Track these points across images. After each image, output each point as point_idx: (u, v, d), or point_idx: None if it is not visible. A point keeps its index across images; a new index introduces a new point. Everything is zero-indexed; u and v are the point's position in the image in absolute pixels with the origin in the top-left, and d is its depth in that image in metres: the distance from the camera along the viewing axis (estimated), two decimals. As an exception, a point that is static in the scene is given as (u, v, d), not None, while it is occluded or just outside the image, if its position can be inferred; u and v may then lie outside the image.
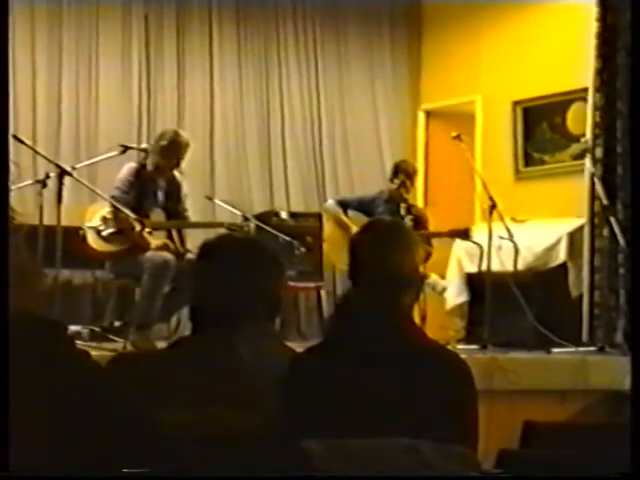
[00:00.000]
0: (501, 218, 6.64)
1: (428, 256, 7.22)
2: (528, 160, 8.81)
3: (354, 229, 7.38)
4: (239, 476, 2.14)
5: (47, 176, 5.80)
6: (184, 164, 6.43)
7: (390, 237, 2.85)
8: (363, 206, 7.82)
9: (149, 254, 6.03)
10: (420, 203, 8.95)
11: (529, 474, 2.81)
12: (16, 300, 1.58)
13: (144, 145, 6.52)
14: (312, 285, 8.37)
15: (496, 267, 6.78)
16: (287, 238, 6.93)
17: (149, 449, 1.62)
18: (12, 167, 1.55)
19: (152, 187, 6.33)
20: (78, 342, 5.02)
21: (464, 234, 7.08)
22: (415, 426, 2.52)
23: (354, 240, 2.95)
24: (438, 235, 7.39)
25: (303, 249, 7.20)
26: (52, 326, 1.65)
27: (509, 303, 6.76)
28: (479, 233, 6.98)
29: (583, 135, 7.55)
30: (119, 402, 1.65)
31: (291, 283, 7.83)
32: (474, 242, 7.02)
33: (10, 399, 1.45)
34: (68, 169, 5.83)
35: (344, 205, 7.93)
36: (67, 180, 5.81)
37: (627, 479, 2.50)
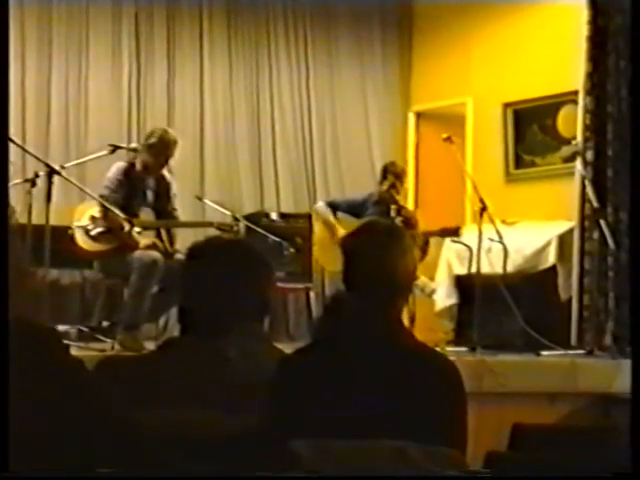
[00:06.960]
0: (491, 220, 6.63)
1: (421, 257, 7.21)
2: (519, 162, 8.81)
3: (341, 232, 7.37)
4: (237, 476, 2.13)
5: (36, 175, 5.77)
6: (173, 163, 6.41)
7: (388, 240, 2.79)
8: (353, 208, 7.79)
9: (138, 253, 6.00)
10: (411, 205, 8.94)
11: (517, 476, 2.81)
12: (12, 303, 1.55)
13: (133, 144, 6.49)
14: (301, 286, 8.35)
15: (486, 269, 6.78)
16: (277, 239, 6.92)
17: (140, 455, 1.60)
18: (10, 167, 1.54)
19: (141, 186, 6.31)
20: (66, 341, 4.99)
21: (454, 233, 7.08)
22: (404, 428, 2.51)
23: (349, 242, 2.87)
24: (428, 234, 7.37)
25: (292, 250, 7.20)
26: (46, 333, 1.63)
27: (498, 305, 6.75)
28: (469, 235, 6.97)
29: (574, 138, 7.53)
30: (112, 410, 1.63)
31: (280, 284, 7.80)
32: (463, 244, 7.01)
33: (10, 400, 1.44)
34: (57, 168, 5.80)
35: (334, 207, 7.90)
36: (56, 179, 5.79)
37: (627, 479, 2.49)
